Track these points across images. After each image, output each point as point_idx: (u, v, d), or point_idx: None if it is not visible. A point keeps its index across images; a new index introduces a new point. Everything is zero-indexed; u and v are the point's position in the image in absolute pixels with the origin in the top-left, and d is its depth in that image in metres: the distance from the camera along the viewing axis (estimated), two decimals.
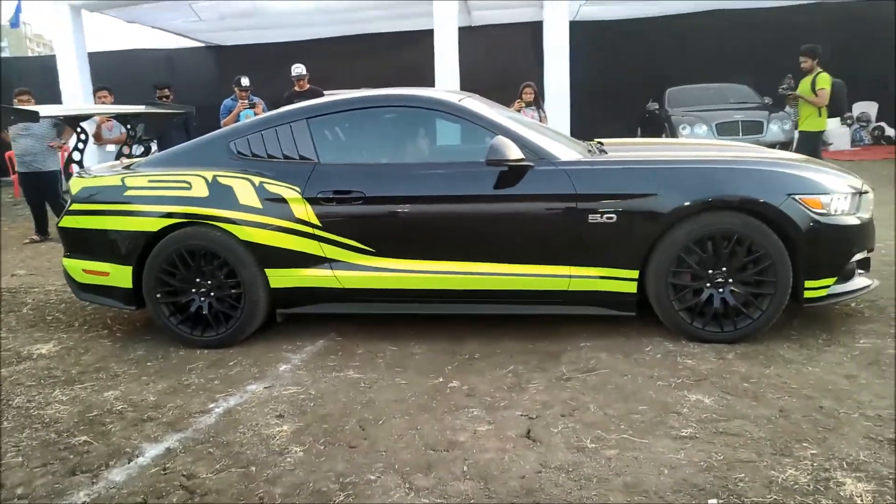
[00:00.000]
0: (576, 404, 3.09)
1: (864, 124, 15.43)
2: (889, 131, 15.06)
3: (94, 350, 4.12)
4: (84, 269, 4.21)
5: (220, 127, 8.40)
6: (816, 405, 2.94)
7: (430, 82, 10.09)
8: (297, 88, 8.54)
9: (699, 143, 6.53)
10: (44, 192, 7.67)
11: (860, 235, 3.68)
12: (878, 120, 15.30)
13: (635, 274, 3.68)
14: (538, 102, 9.04)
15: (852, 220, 3.63)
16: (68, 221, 4.21)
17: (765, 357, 3.49)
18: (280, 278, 3.95)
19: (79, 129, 4.80)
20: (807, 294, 3.61)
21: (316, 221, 3.87)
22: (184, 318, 4.06)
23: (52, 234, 7.89)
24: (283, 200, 3.90)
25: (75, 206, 4.18)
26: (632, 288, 3.70)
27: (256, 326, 4.06)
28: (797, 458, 2.53)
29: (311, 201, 3.87)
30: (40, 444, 2.99)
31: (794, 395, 3.06)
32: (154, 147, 6.28)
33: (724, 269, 3.62)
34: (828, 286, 3.62)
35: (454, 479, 2.54)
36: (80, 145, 4.82)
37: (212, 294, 4.02)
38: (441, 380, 3.44)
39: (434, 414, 3.07)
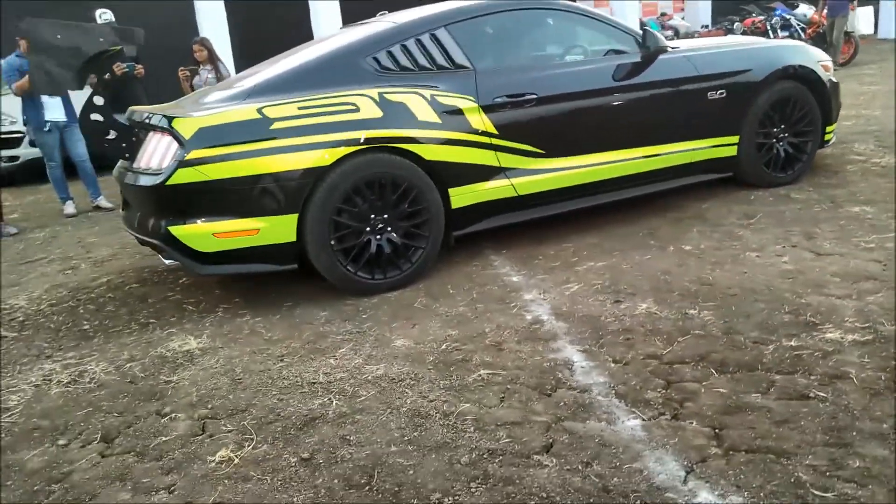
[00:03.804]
0: (775, 234, 3.76)
1: None
2: None
3: (290, 326, 3.30)
4: (215, 232, 3.30)
5: None
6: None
7: None
8: None
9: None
10: None
11: (840, 92, 5.02)
12: None
13: (736, 139, 4.44)
14: (214, 60, 7.19)
15: (837, 79, 4.94)
16: (186, 175, 3.22)
17: (831, 187, 4.60)
18: (462, 197, 3.71)
19: None
20: (825, 137, 4.84)
21: (493, 129, 3.73)
22: (360, 263, 3.52)
23: None
24: (459, 112, 3.65)
25: (196, 154, 3.21)
26: (733, 151, 4.46)
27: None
28: None
29: (486, 109, 3.71)
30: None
31: (878, 196, 4.22)
32: None
33: (783, 126, 4.61)
34: (832, 131, 4.90)
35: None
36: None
37: (389, 228, 3.56)
38: (654, 243, 3.77)
39: (705, 258, 3.47)
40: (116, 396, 2.78)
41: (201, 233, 3.30)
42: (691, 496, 1.87)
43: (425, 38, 3.74)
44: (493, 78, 3.78)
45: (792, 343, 2.61)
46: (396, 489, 2.03)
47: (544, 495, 1.93)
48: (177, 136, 3.24)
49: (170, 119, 3.29)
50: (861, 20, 14.82)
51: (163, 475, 2.23)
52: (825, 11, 12.89)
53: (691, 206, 4.43)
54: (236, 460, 2.25)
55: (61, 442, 2.48)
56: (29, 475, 2.30)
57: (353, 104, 3.43)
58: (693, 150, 4.30)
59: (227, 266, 3.41)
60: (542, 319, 3.07)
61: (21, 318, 3.81)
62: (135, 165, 3.51)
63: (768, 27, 12.91)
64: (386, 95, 3.51)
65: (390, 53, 3.67)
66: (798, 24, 14.02)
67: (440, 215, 3.64)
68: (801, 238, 3.68)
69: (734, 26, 12.52)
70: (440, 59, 3.74)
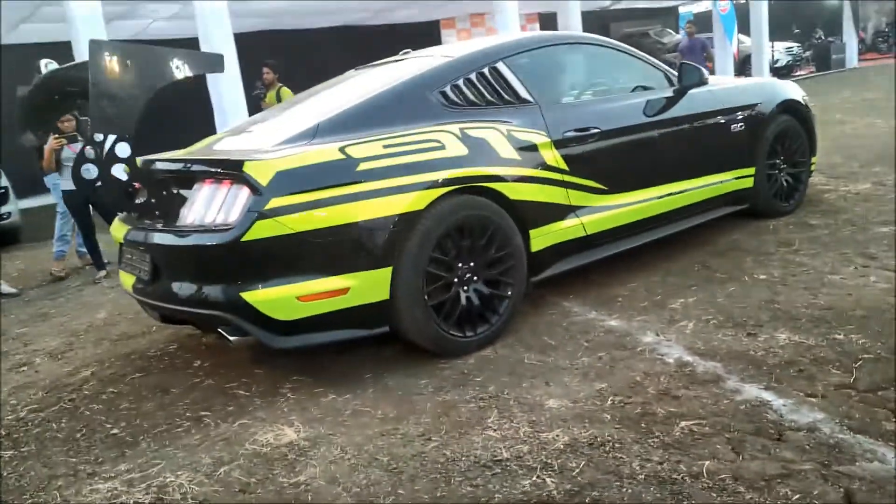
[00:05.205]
0: (833, 257, 3.81)
1: None
2: None
3: (397, 400, 2.76)
4: (300, 295, 2.74)
5: None
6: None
7: None
8: None
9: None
10: None
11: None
12: None
13: (753, 171, 4.52)
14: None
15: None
16: (265, 229, 2.65)
17: (833, 213, 4.79)
18: (540, 239, 3.41)
19: None
20: (812, 168, 5.08)
21: (563, 165, 3.49)
22: (451, 320, 3.08)
23: None
24: (534, 148, 3.39)
25: (276, 203, 2.66)
26: (751, 183, 4.52)
27: None
28: None
29: (557, 144, 3.47)
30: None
31: (887, 217, 4.47)
32: None
33: (782, 157, 4.77)
34: (815, 161, 5.16)
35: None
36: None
37: (476, 278, 3.17)
38: (720, 275, 3.67)
39: (791, 285, 3.40)
40: None
41: (283, 297, 2.73)
42: None
43: (487, 72, 3.46)
44: (558, 112, 3.57)
45: None
46: None
47: None
48: (250, 183, 2.68)
49: (239, 163, 2.73)
50: None
51: None
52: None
53: (720, 240, 4.41)
54: None
55: None
56: None
57: (438, 141, 3.06)
58: (723, 181, 4.32)
59: (310, 335, 2.84)
60: (688, 361, 2.81)
61: (2, 432, 2.94)
62: (178, 223, 2.88)
63: None
64: (467, 131, 3.17)
65: (456, 87, 3.34)
66: None
67: (523, 260, 3.32)
68: (864, 259, 3.73)
69: None
70: (505, 94, 3.47)
